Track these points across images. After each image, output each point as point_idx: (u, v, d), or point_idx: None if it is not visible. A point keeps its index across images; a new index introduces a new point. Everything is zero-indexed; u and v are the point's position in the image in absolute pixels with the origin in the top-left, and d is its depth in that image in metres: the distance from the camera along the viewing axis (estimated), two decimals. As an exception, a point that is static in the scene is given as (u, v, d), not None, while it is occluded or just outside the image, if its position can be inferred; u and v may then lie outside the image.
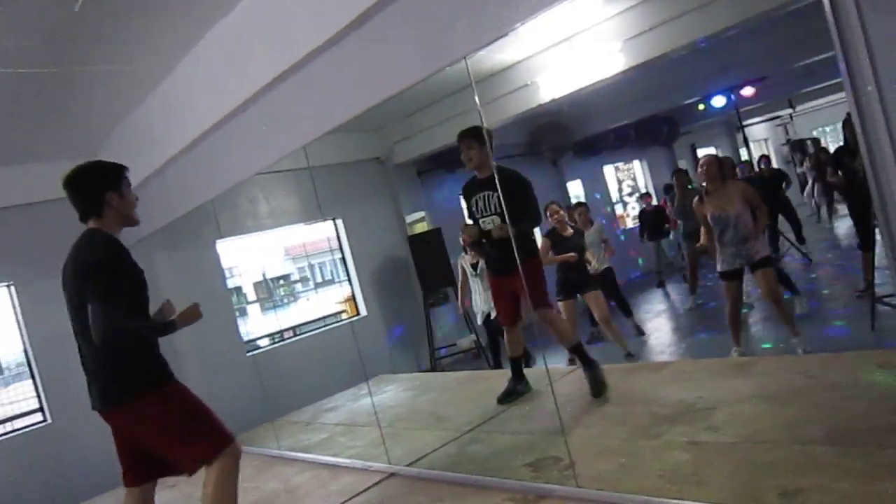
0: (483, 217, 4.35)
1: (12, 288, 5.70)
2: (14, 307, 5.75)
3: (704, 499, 2.61)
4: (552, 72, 6.40)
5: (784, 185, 9.15)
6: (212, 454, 2.71)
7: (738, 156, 13.65)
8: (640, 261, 11.29)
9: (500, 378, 5.73)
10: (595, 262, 6.48)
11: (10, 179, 5.45)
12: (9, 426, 5.73)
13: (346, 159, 7.85)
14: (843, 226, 9.80)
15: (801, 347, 4.77)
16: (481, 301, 6.60)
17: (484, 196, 4.33)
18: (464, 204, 4.65)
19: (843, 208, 9.13)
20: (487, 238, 4.38)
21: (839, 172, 5.97)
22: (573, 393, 4.58)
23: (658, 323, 8.11)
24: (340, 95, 3.53)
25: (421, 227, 8.56)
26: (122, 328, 2.61)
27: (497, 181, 4.06)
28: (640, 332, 7.21)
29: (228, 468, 2.75)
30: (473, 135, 4.32)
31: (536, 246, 4.60)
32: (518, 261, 4.04)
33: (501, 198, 4.18)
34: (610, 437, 3.65)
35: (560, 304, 5.88)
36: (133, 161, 5.48)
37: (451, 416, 4.96)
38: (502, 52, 6.17)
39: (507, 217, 4.15)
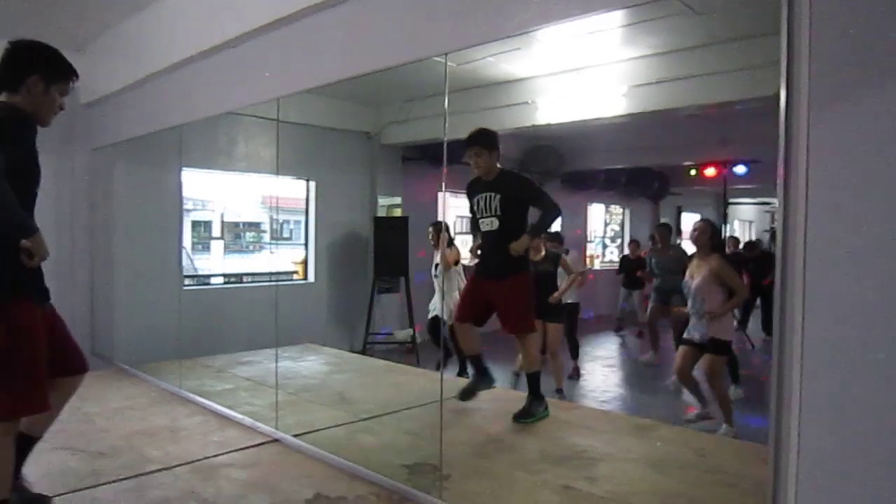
0: (482, 217, 4.25)
1: None
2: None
3: (552, 542, 2.62)
4: (554, 96, 6.42)
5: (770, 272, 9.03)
6: (5, 413, 2.37)
7: (722, 230, 13.79)
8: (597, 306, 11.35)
9: (421, 377, 5.76)
10: (557, 293, 6.39)
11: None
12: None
13: (334, 125, 7.79)
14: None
15: (729, 434, 4.69)
16: (441, 302, 6.38)
17: (487, 196, 4.20)
18: (467, 202, 4.43)
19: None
20: (485, 239, 4.28)
21: None
22: (481, 410, 4.59)
23: (593, 367, 8.16)
24: (323, 59, 3.51)
25: (394, 212, 8.54)
26: None
27: (501, 183, 4.11)
28: (578, 376, 7.20)
29: (7, 434, 2.40)
30: (482, 140, 4.16)
31: (528, 260, 4.38)
32: (510, 271, 4.07)
33: (503, 198, 4.13)
34: (493, 461, 3.66)
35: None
36: (115, 67, 5.47)
37: (355, 399, 4.96)
38: (509, 64, 6.17)
39: (507, 219, 4.12)
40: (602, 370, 8.19)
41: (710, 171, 9.50)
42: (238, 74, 4.21)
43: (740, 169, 9.18)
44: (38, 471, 3.13)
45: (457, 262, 6.27)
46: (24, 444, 2.63)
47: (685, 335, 4.95)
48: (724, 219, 12.20)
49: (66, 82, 2.60)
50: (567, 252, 6.92)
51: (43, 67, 2.50)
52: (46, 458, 3.49)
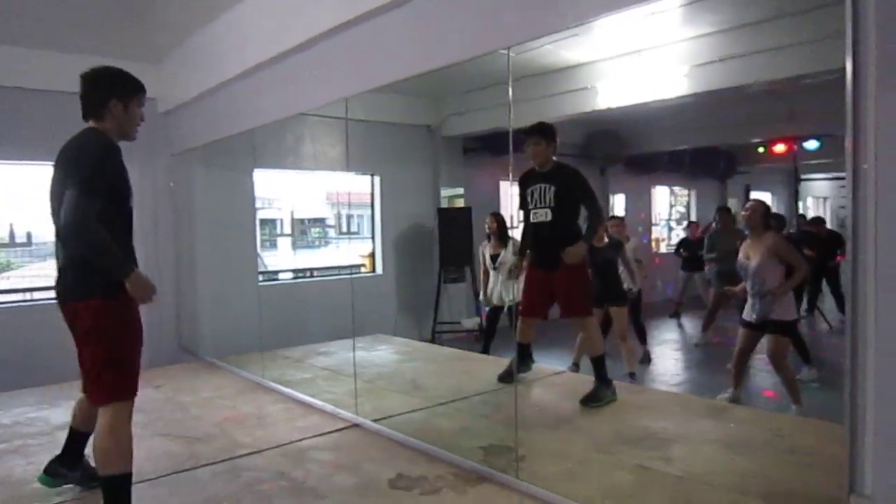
0: (536, 209, 4.36)
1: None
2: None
3: (629, 519, 2.70)
4: (614, 80, 6.39)
5: (838, 250, 8.72)
6: (113, 396, 2.61)
7: (795, 207, 13.33)
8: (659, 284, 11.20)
9: (490, 364, 5.86)
10: (629, 281, 6.39)
11: (74, 66, 5.71)
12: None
13: (396, 120, 7.95)
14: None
15: (799, 414, 4.63)
16: (496, 294, 6.54)
17: (542, 188, 4.32)
18: (517, 192, 4.55)
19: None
20: (537, 230, 4.39)
21: None
22: (553, 394, 4.69)
23: (662, 350, 8.09)
24: (390, 58, 3.64)
25: (456, 203, 8.66)
26: (89, 223, 2.45)
27: (555, 175, 4.23)
28: (649, 360, 7.17)
29: (124, 416, 2.63)
30: (541, 131, 4.34)
31: (586, 233, 4.43)
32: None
33: (557, 191, 4.25)
34: (566, 443, 3.74)
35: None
36: (190, 76, 5.75)
37: (428, 386, 5.12)
38: (569, 51, 6.18)
39: (560, 211, 4.24)
40: (672, 353, 8.12)
41: (780, 148, 9.22)
42: (307, 77, 4.39)
43: (811, 144, 8.88)
44: (141, 455, 3.36)
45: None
46: (80, 438, 3.04)
47: (744, 316, 4.90)
48: (797, 196, 11.81)
49: (139, 97, 2.85)
50: (628, 239, 6.90)
51: (118, 90, 2.77)
52: (148, 443, 3.79)
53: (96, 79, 2.77)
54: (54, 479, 3.10)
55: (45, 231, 6.48)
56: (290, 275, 8.33)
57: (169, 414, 4.52)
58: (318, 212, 10.60)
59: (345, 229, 9.26)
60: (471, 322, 8.14)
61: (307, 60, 4.33)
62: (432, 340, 7.90)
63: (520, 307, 4.62)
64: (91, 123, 2.75)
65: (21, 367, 5.45)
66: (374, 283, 8.17)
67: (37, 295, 6.25)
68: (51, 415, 4.55)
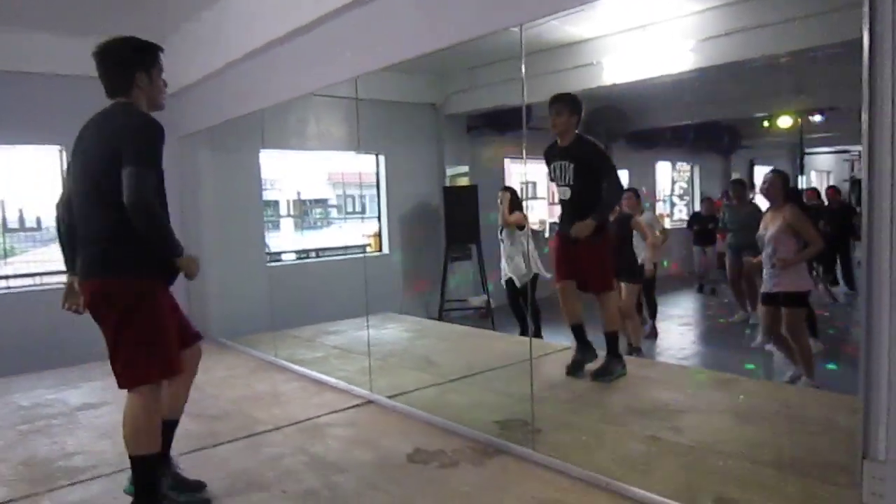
0: (559, 186, 4.37)
1: (63, 152, 6.00)
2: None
3: (644, 487, 2.76)
4: (620, 56, 6.36)
5: (853, 222, 8.37)
6: (143, 378, 2.57)
7: (797, 181, 13.31)
8: (665, 262, 11.20)
9: (498, 340, 5.94)
10: (649, 258, 6.39)
11: (81, 49, 5.70)
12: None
13: (401, 98, 7.93)
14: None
15: (810, 386, 4.63)
16: (505, 264, 6.53)
17: (562, 165, 4.32)
18: (546, 168, 4.54)
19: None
20: (562, 206, 4.41)
21: None
22: (563, 369, 4.74)
23: (669, 325, 8.13)
24: (400, 36, 3.64)
25: (461, 182, 8.67)
26: (150, 201, 2.45)
27: (575, 151, 4.21)
28: (655, 335, 7.20)
29: (153, 399, 2.60)
30: (565, 100, 4.31)
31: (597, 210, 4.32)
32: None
33: (577, 168, 4.24)
34: (580, 416, 3.81)
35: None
36: (196, 58, 5.73)
37: (440, 363, 5.19)
38: (575, 26, 6.15)
39: (580, 188, 4.23)
40: (678, 328, 8.17)
41: (785, 122, 9.17)
42: (314, 57, 4.38)
43: (817, 117, 8.84)
44: (163, 433, 3.46)
45: (521, 227, 6.30)
46: (167, 428, 2.86)
47: (763, 290, 4.92)
48: (801, 169, 11.78)
49: (159, 62, 2.76)
50: (642, 212, 6.86)
51: (139, 62, 2.67)
52: (168, 422, 3.84)
53: (115, 53, 2.65)
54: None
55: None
56: (293, 256, 8.36)
57: (185, 393, 4.59)
58: (320, 192, 10.62)
59: (350, 209, 9.28)
60: (478, 300, 8.21)
61: (315, 40, 4.32)
62: (439, 318, 7.97)
63: (556, 277, 4.56)
64: (120, 99, 2.67)
65: (35, 351, 5.52)
66: (381, 263, 8.21)
67: (46, 279, 6.29)
68: (69, 396, 4.63)
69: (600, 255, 4.40)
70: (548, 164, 4.45)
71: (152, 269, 2.59)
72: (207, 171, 6.71)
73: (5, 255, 6.45)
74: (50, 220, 6.53)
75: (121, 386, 2.61)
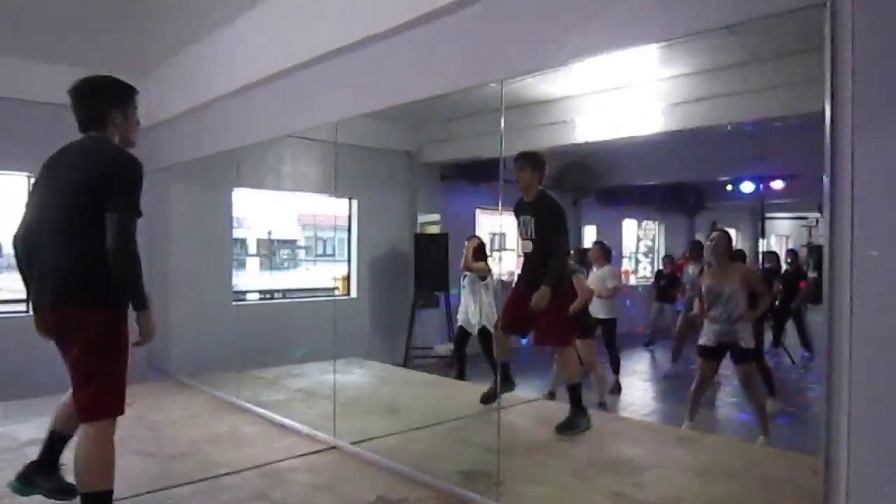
0: (522, 239, 4.51)
1: (31, 179, 5.90)
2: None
3: (608, 543, 2.75)
4: (593, 115, 6.56)
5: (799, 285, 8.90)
6: (106, 412, 2.57)
7: (757, 245, 13.73)
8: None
9: (463, 389, 5.90)
10: (600, 310, 6.49)
11: (61, 77, 5.68)
12: None
13: (376, 145, 8.00)
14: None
15: (766, 445, 4.73)
16: (462, 312, 6.54)
17: (524, 220, 4.48)
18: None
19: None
20: (524, 259, 4.54)
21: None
22: (528, 421, 4.76)
23: (631, 381, 8.21)
24: (379, 85, 3.73)
25: (432, 230, 8.72)
26: (133, 249, 2.52)
27: (537, 207, 4.37)
28: (619, 390, 7.24)
29: (110, 433, 2.61)
30: (528, 158, 4.51)
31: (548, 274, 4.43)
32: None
33: (537, 223, 4.40)
34: (545, 469, 3.79)
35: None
36: (176, 93, 5.76)
37: (404, 410, 5.15)
38: (551, 85, 6.34)
39: (541, 243, 4.36)
40: (641, 384, 8.24)
41: (747, 186, 9.52)
42: (296, 99, 4.45)
43: (777, 184, 9.19)
44: (117, 474, 3.24)
45: (483, 277, 6.34)
46: (61, 441, 2.94)
47: (701, 342, 5.08)
48: (762, 233, 12.17)
49: (134, 100, 2.87)
50: (603, 265, 7.00)
51: (116, 100, 2.78)
52: (123, 461, 3.63)
53: (92, 91, 2.75)
54: (26, 487, 2.97)
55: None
56: (258, 295, 8.26)
57: (141, 433, 4.44)
58: (289, 233, 10.58)
59: (320, 251, 9.25)
60: (444, 348, 8.17)
61: (297, 83, 4.40)
62: (404, 365, 7.90)
63: (498, 323, 4.72)
64: (93, 133, 2.73)
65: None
66: (349, 307, 8.15)
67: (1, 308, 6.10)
68: (19, 430, 4.43)
69: (557, 311, 4.44)
70: (516, 217, 4.61)
71: (121, 301, 2.59)
72: (179, 206, 6.66)
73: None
74: (9, 248, 6.38)
75: (84, 419, 2.58)
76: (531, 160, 4.50)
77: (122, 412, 2.61)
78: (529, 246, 4.44)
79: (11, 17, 5.09)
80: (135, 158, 2.67)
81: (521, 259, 4.75)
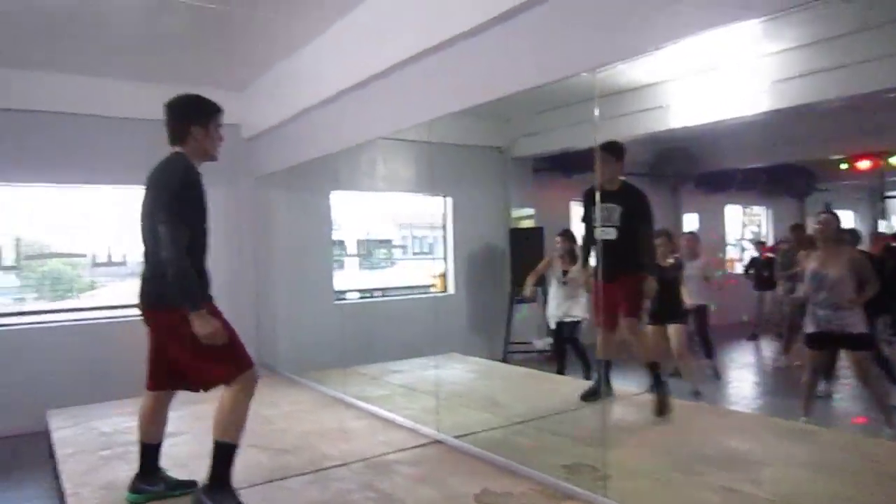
0: (603, 227, 4.47)
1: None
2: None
3: (721, 540, 2.66)
4: (689, 98, 6.33)
5: None
6: (231, 376, 2.94)
7: (877, 227, 12.76)
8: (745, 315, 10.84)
9: (563, 383, 5.86)
10: (688, 297, 6.36)
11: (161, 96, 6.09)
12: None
13: (468, 142, 8.06)
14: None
15: (893, 439, 4.48)
16: (556, 308, 6.58)
17: (607, 207, 4.48)
18: (581, 208, 4.81)
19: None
20: (604, 247, 4.45)
21: None
22: (633, 415, 4.68)
23: (739, 374, 7.87)
24: (469, 83, 3.74)
25: (527, 224, 8.70)
26: (179, 256, 2.78)
27: (623, 196, 4.40)
28: (717, 376, 7.06)
29: (245, 391, 2.98)
30: (611, 149, 4.49)
31: (646, 265, 4.71)
32: (620, 273, 4.28)
33: (623, 212, 4.44)
34: (651, 463, 3.71)
35: (648, 328, 5.85)
36: (273, 104, 6.02)
37: (506, 404, 5.16)
38: (642, 69, 6.16)
39: (626, 231, 4.42)
40: (748, 377, 7.89)
41: (864, 164, 8.88)
42: (386, 102, 4.54)
43: (898, 160, 8.52)
44: (235, 464, 3.54)
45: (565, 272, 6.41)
46: (153, 449, 3.29)
47: (808, 331, 4.84)
48: (882, 213, 11.31)
49: (216, 118, 3.13)
50: (698, 256, 6.97)
51: (196, 116, 3.07)
52: (239, 454, 3.93)
53: (176, 107, 3.07)
54: (138, 496, 3.26)
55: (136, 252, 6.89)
56: (357, 294, 8.51)
57: (256, 427, 4.66)
58: (385, 233, 10.82)
59: (416, 249, 9.40)
60: (542, 342, 8.12)
61: (386, 86, 4.48)
62: (503, 360, 7.92)
63: (599, 321, 4.69)
64: (176, 148, 3.03)
65: (114, 379, 5.77)
66: (446, 303, 8.26)
67: (126, 312, 6.60)
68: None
69: (629, 294, 4.53)
70: (588, 205, 4.68)
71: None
72: (281, 211, 6.97)
73: (90, 289, 6.83)
74: (132, 256, 6.90)
75: (206, 388, 3.03)
76: (616, 150, 4.53)
77: (242, 371, 2.98)
78: (613, 233, 4.45)
79: (126, 43, 5.47)
80: (177, 169, 2.94)
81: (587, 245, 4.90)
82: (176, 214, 2.81)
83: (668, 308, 5.93)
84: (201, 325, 2.81)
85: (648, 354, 4.73)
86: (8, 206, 6.20)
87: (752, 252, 11.24)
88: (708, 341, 7.06)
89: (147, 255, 3.01)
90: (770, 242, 11.97)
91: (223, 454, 2.96)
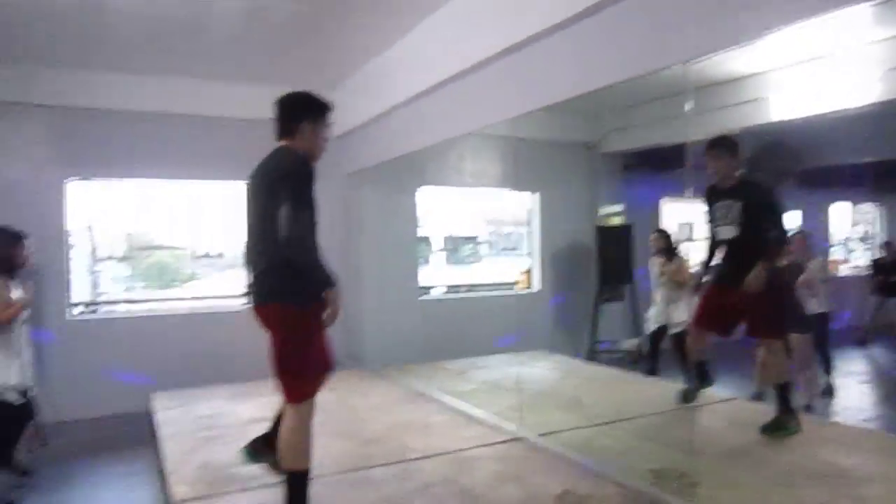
0: (721, 225, 4.25)
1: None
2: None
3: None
4: (790, 90, 6.00)
5: None
6: (294, 399, 2.87)
7: None
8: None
9: (651, 386, 5.70)
10: (813, 304, 5.94)
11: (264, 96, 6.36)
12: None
13: (556, 138, 7.96)
14: None
15: None
16: (657, 313, 6.35)
17: (726, 205, 4.22)
18: (705, 207, 4.43)
19: None
20: (724, 247, 4.28)
21: None
22: (724, 421, 4.50)
23: (846, 382, 7.39)
24: (555, 78, 3.70)
25: (615, 221, 8.50)
26: (302, 237, 2.75)
27: (742, 191, 4.11)
28: (832, 394, 6.52)
29: (305, 421, 2.88)
30: (724, 145, 4.27)
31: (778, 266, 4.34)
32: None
33: (744, 208, 4.12)
34: (743, 473, 3.54)
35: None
36: (363, 102, 6.15)
37: (591, 405, 5.06)
38: (739, 60, 5.89)
39: (748, 228, 4.09)
40: (858, 386, 7.39)
41: None
42: (474, 99, 4.55)
43: None
44: (320, 452, 3.61)
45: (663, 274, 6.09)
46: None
47: None
48: None
49: (326, 119, 3.14)
50: (809, 258, 6.38)
51: (310, 113, 3.07)
52: (326, 441, 4.02)
53: (291, 103, 3.08)
54: (254, 456, 3.27)
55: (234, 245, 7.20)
56: (443, 290, 8.58)
57: (343, 416, 4.83)
58: (470, 229, 10.86)
59: (502, 246, 9.38)
60: (630, 343, 7.92)
61: (474, 83, 4.49)
62: (589, 359, 7.78)
63: (692, 318, 4.51)
64: (283, 143, 3.03)
65: (214, 365, 6.10)
66: (531, 300, 8.20)
67: (225, 302, 6.94)
68: (241, 409, 5.03)
69: (772, 299, 4.11)
70: (708, 204, 4.32)
71: (303, 299, 2.84)
72: (369, 207, 7.13)
73: (191, 279, 7.23)
74: (230, 250, 7.24)
75: (288, 400, 2.90)
76: (725, 146, 4.25)
77: (306, 398, 2.88)
78: (733, 231, 4.15)
79: (222, 47, 5.73)
80: (301, 158, 2.93)
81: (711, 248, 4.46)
82: (300, 197, 2.79)
83: (790, 316, 5.35)
84: (337, 300, 2.84)
85: (783, 374, 4.26)
86: (119, 202, 6.66)
87: (875, 253, 10.47)
88: (828, 354, 6.41)
89: (257, 251, 2.96)
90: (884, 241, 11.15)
91: (297, 482, 2.92)
